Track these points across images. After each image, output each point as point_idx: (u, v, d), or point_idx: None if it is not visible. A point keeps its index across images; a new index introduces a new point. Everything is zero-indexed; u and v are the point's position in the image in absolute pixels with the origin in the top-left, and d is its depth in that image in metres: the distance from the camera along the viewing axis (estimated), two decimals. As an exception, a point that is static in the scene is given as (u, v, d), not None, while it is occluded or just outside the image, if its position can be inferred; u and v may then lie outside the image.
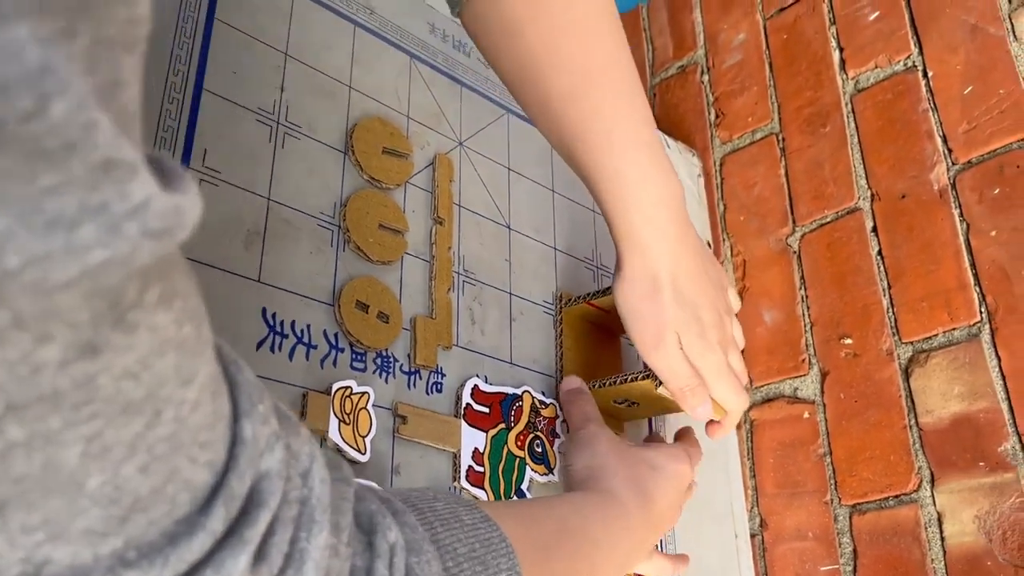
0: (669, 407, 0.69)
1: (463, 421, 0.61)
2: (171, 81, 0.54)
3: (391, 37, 0.70)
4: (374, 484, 0.39)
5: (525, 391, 0.66)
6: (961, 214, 0.77)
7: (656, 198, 0.57)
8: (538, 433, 0.66)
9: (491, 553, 0.38)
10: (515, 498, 0.62)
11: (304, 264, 0.57)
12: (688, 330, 0.60)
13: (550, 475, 0.65)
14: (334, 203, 0.60)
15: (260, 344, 0.53)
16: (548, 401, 0.68)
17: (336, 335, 0.57)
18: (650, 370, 0.63)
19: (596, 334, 0.75)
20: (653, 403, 0.68)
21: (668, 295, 0.59)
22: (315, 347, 0.55)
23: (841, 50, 0.90)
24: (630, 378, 0.66)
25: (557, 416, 0.68)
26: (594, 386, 0.68)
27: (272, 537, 0.26)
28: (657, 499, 0.58)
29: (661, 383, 0.63)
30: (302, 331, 0.55)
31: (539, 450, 0.66)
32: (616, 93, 0.55)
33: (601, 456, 0.59)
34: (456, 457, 0.60)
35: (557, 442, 0.67)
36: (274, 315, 0.54)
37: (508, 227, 0.72)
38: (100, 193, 0.18)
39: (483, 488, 0.60)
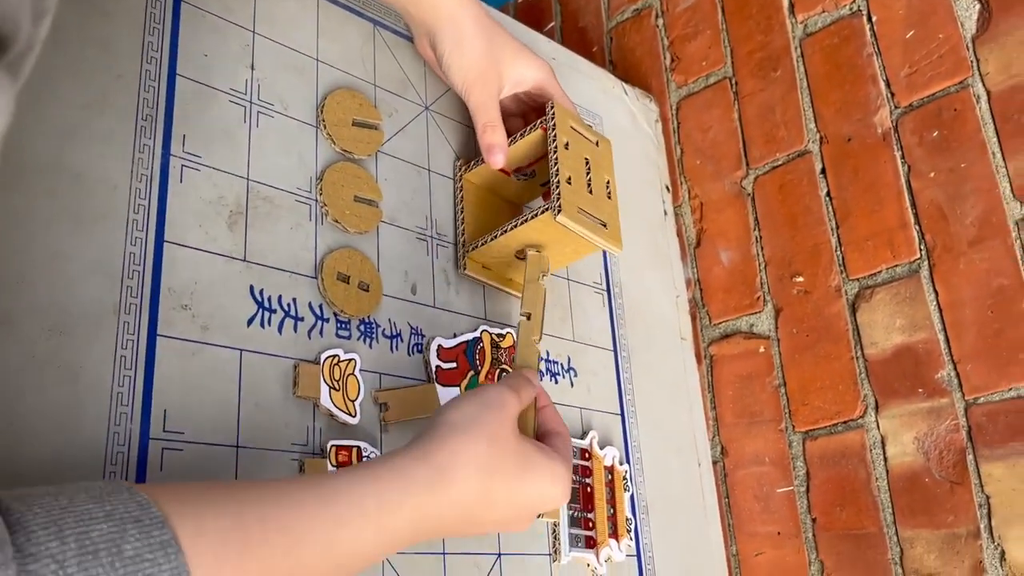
0: (565, 248, 0.67)
1: (436, 384, 0.65)
2: (145, 69, 0.56)
3: (354, 5, 0.71)
4: (32, 493, 0.35)
5: (483, 331, 0.70)
6: (903, 156, 0.82)
7: None
8: (503, 366, 0.70)
9: None
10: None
11: (286, 240, 0.60)
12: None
13: None
14: (310, 178, 0.63)
15: (251, 321, 0.56)
16: (504, 332, 0.71)
17: (320, 306, 0.60)
18: (548, 205, 0.63)
19: (495, 203, 0.74)
20: (552, 244, 0.67)
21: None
22: (302, 319, 0.59)
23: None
24: (531, 216, 0.64)
25: (515, 343, 0.71)
26: (492, 238, 0.67)
27: None
28: (500, 507, 0.49)
29: (560, 212, 0.62)
30: (288, 305, 0.58)
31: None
32: None
33: (475, 422, 0.49)
34: (440, 415, 0.64)
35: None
36: (261, 291, 0.57)
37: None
38: None
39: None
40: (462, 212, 0.71)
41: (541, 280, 0.66)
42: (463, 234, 0.70)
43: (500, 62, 0.68)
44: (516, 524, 0.51)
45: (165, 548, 0.35)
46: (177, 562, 0.35)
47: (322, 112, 0.64)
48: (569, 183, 0.64)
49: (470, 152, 0.75)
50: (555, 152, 0.65)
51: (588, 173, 0.67)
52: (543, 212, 0.63)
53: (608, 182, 0.69)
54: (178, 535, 0.35)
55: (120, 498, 0.36)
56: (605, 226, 0.66)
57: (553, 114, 0.66)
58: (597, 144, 0.69)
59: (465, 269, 0.69)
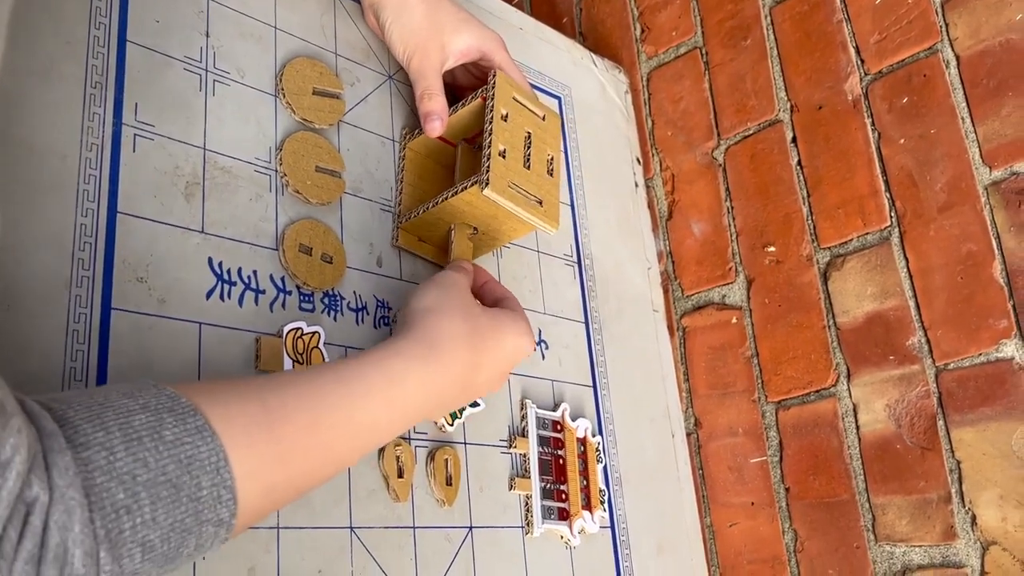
0: (502, 226, 0.66)
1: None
2: (94, 35, 0.54)
3: (313, -28, 0.69)
4: (65, 395, 0.37)
5: None
6: (873, 123, 0.81)
7: None
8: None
9: (189, 472, 0.37)
10: (467, 410, 0.65)
11: (245, 211, 0.58)
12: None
13: None
14: (269, 148, 0.61)
15: (209, 293, 0.54)
16: None
17: (283, 279, 0.59)
18: (479, 176, 0.61)
19: (440, 174, 0.72)
20: (487, 220, 0.65)
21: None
22: (263, 292, 0.57)
23: (760, -38, 0.92)
24: (460, 188, 0.62)
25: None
26: (424, 209, 0.65)
27: None
28: (484, 367, 0.55)
29: (488, 185, 0.59)
30: (249, 277, 0.57)
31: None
32: None
33: (442, 301, 0.55)
34: (407, 387, 0.63)
35: None
36: (220, 264, 0.56)
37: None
38: None
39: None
40: (401, 183, 0.69)
41: (467, 236, 0.66)
42: (399, 204, 0.68)
43: (443, 31, 0.67)
44: (499, 381, 0.59)
45: (201, 432, 0.38)
46: (214, 443, 0.38)
47: (281, 81, 0.63)
48: (503, 156, 0.62)
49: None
50: (490, 123, 0.62)
51: (528, 147, 0.64)
52: (471, 185, 0.61)
53: (552, 158, 0.66)
54: (210, 420, 0.39)
55: (151, 392, 0.39)
56: (541, 203, 0.63)
57: (494, 83, 0.64)
58: (544, 118, 0.67)
59: (397, 241, 0.67)
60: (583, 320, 0.80)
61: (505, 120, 0.63)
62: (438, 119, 0.66)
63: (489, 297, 0.63)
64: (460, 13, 0.68)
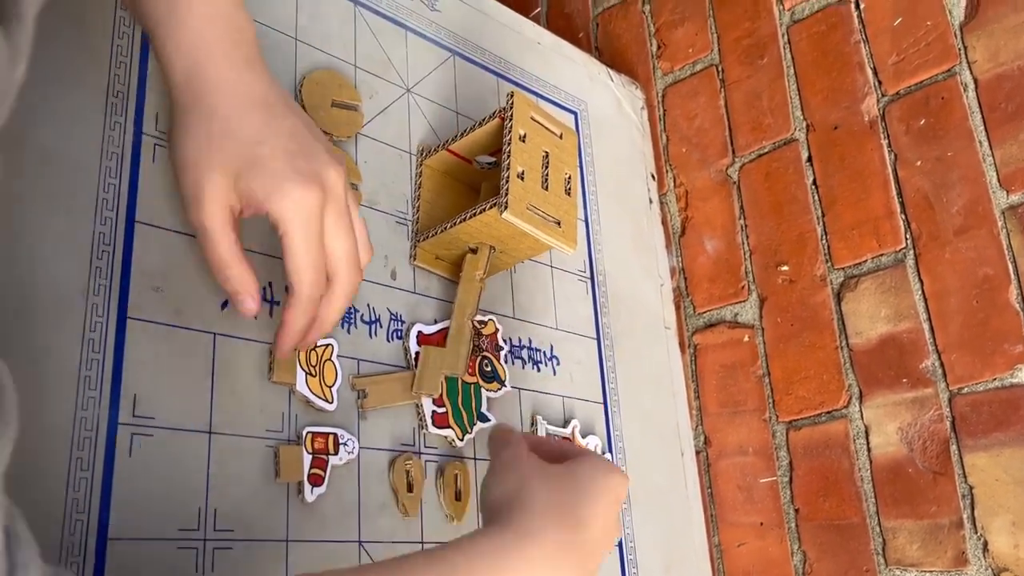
0: (520, 244, 0.65)
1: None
2: (117, 45, 0.54)
3: (334, -16, 0.70)
4: None
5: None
6: (889, 144, 0.81)
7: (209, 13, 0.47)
8: (484, 353, 0.69)
9: None
10: (477, 424, 0.65)
11: (262, 222, 0.58)
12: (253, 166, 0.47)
13: (503, 387, 0.69)
14: (287, 159, 0.61)
15: (225, 304, 0.54)
16: (486, 318, 0.70)
17: (297, 290, 0.58)
18: (496, 201, 0.60)
19: (457, 189, 0.72)
20: (505, 239, 0.65)
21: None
22: (278, 303, 0.57)
23: (778, -19, 0.92)
24: (479, 210, 0.61)
25: (497, 330, 0.70)
26: (442, 229, 0.64)
27: None
28: (590, 523, 0.48)
29: (507, 208, 0.59)
30: (264, 288, 0.57)
31: (488, 369, 0.69)
32: None
33: (520, 481, 0.49)
34: (419, 406, 0.63)
35: (502, 353, 0.70)
36: (236, 274, 0.56)
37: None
38: None
39: (449, 427, 0.64)
40: (418, 200, 0.69)
41: (478, 278, 0.65)
42: (417, 222, 0.68)
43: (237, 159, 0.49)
44: (614, 524, 0.51)
45: None
46: None
47: (301, 93, 0.63)
48: (521, 178, 0.61)
49: (448, 135, 0.74)
50: (509, 144, 0.62)
51: (546, 167, 0.64)
52: (491, 207, 0.61)
53: (569, 177, 0.66)
54: None
55: None
56: (559, 224, 0.63)
57: (512, 103, 0.63)
58: (561, 136, 0.67)
59: (415, 260, 0.67)
60: (595, 336, 0.80)
61: (523, 140, 0.63)
62: (250, 299, 0.50)
63: (550, 455, 0.56)
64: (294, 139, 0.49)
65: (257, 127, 0.47)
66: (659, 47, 1.02)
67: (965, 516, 0.71)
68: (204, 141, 0.46)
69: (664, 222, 0.96)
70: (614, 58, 1.05)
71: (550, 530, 0.46)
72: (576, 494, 0.49)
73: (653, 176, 0.97)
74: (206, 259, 0.48)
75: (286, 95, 0.51)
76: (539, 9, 1.18)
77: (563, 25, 1.13)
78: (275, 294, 0.57)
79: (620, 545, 0.74)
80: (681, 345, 0.91)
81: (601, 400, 0.78)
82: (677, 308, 0.93)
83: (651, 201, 0.95)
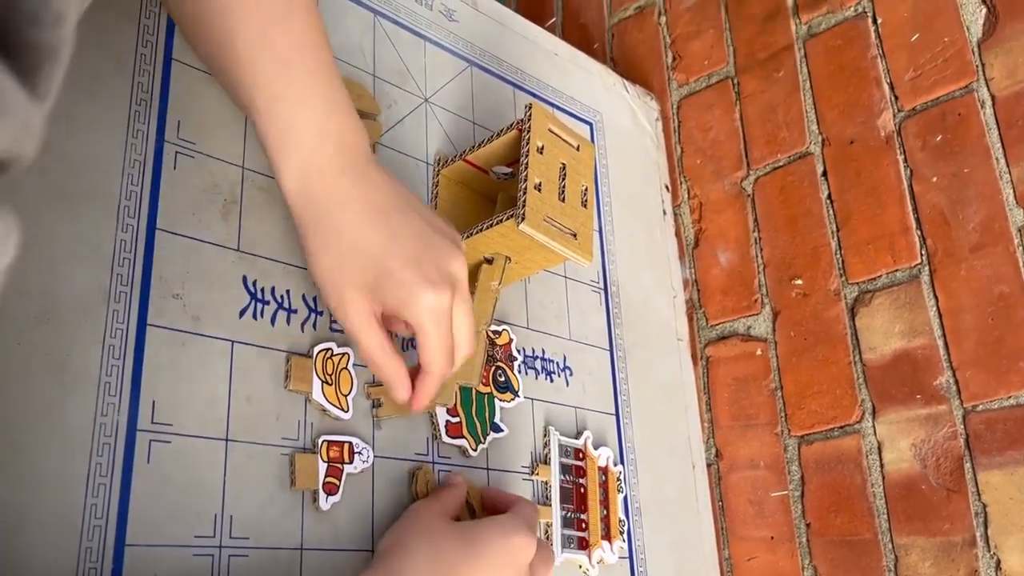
0: (536, 256, 0.65)
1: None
2: (141, 52, 0.55)
3: (354, -6, 0.70)
4: None
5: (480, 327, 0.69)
6: (905, 160, 0.81)
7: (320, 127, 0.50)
8: (498, 363, 0.69)
9: None
10: (491, 435, 0.65)
11: (281, 230, 0.58)
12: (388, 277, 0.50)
13: (517, 398, 0.69)
14: (306, 168, 0.61)
15: (243, 312, 0.55)
16: (500, 328, 0.70)
17: (315, 299, 0.59)
18: (512, 212, 0.60)
19: (473, 200, 0.72)
20: (521, 250, 0.64)
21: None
22: (295, 311, 0.58)
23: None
24: (496, 221, 0.61)
25: (511, 340, 0.70)
26: (463, 237, 0.63)
27: None
28: None
29: (524, 220, 0.59)
30: (282, 296, 0.57)
31: (502, 379, 0.69)
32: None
33: (410, 532, 0.51)
34: (433, 416, 0.63)
35: (516, 363, 0.70)
36: (255, 282, 0.56)
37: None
38: None
39: (463, 437, 0.64)
40: (434, 209, 0.68)
41: (493, 288, 0.65)
42: None
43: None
44: None
45: None
46: None
47: (320, 101, 0.63)
48: (538, 190, 0.61)
49: (465, 145, 0.74)
50: (526, 156, 0.62)
51: (563, 179, 0.64)
52: (507, 219, 0.61)
53: (585, 189, 0.66)
54: None
55: None
56: (575, 236, 0.63)
57: (530, 115, 0.63)
58: (578, 148, 0.67)
59: None
60: (608, 347, 0.80)
61: (541, 152, 0.63)
62: (403, 390, 0.54)
63: (493, 509, 0.59)
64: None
65: (382, 239, 0.50)
66: (674, 59, 1.02)
67: (978, 534, 0.71)
68: (336, 260, 0.50)
69: (678, 234, 0.96)
70: (629, 69, 1.05)
71: None
72: (457, 554, 0.50)
73: (667, 187, 0.97)
74: (360, 355, 0.53)
75: (403, 193, 0.53)
76: (554, 19, 1.18)
77: (578, 35, 1.13)
78: (291, 303, 0.58)
79: (630, 558, 0.74)
80: (693, 357, 0.91)
81: (613, 411, 0.78)
82: (690, 320, 0.93)
83: (665, 212, 0.95)
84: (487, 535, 0.51)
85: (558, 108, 0.86)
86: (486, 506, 0.61)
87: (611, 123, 0.92)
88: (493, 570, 0.50)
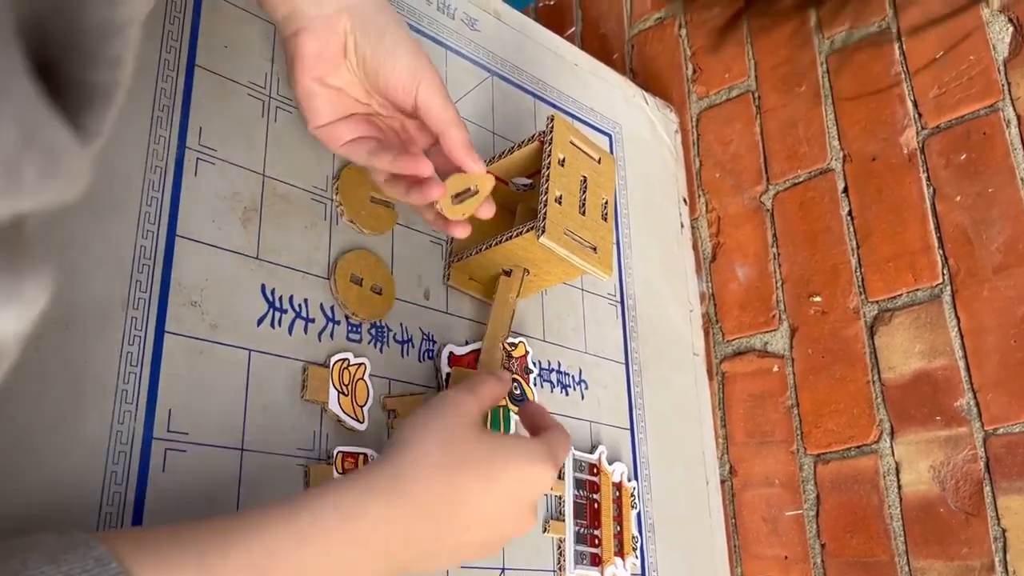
0: (554, 268, 0.64)
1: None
2: (164, 59, 0.54)
3: (377, 2, 0.70)
4: None
5: None
6: (928, 178, 0.80)
7: None
8: (514, 376, 0.68)
9: None
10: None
11: (300, 239, 0.58)
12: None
13: None
14: (327, 176, 0.61)
15: (260, 320, 0.54)
16: (516, 341, 0.70)
17: (332, 308, 0.58)
18: (532, 224, 0.60)
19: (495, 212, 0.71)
20: (540, 263, 0.64)
21: None
22: (313, 321, 0.57)
23: (817, 9, 0.91)
24: (515, 233, 0.61)
25: (527, 352, 0.70)
26: (477, 251, 0.64)
27: None
28: (470, 500, 0.46)
29: (544, 233, 0.58)
30: (300, 305, 0.57)
31: (517, 392, 0.68)
32: None
33: (431, 433, 0.47)
34: (450, 424, 0.62)
35: (531, 376, 0.70)
36: (273, 291, 0.56)
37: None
38: None
39: (475, 451, 0.63)
40: None
41: (511, 301, 0.65)
42: (451, 242, 0.68)
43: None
44: (515, 522, 0.48)
45: None
46: None
47: (341, 109, 0.63)
48: (559, 202, 0.61)
49: (484, 155, 0.74)
50: (548, 168, 0.61)
51: (583, 192, 0.64)
52: (527, 231, 0.60)
53: (606, 202, 0.65)
54: None
55: (77, 554, 0.34)
56: (595, 250, 0.63)
57: (552, 127, 0.63)
58: (599, 161, 0.66)
59: (449, 280, 0.67)
60: (623, 361, 0.80)
61: (562, 165, 0.62)
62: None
63: (529, 425, 0.56)
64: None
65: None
66: (695, 71, 1.01)
67: (997, 559, 0.70)
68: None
69: (695, 247, 0.96)
70: (648, 80, 1.05)
71: (424, 498, 0.44)
72: (474, 469, 0.47)
73: (685, 200, 0.96)
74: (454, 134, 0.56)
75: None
76: (574, 28, 1.18)
77: (597, 46, 1.13)
78: (309, 312, 0.57)
79: (643, 574, 0.73)
80: (709, 372, 0.90)
81: (628, 426, 0.77)
82: (706, 335, 0.92)
83: (682, 226, 0.94)
84: (508, 459, 0.48)
85: (578, 119, 0.86)
86: (522, 418, 0.57)
87: (630, 135, 0.91)
88: (503, 498, 0.47)
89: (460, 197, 0.58)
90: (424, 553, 0.45)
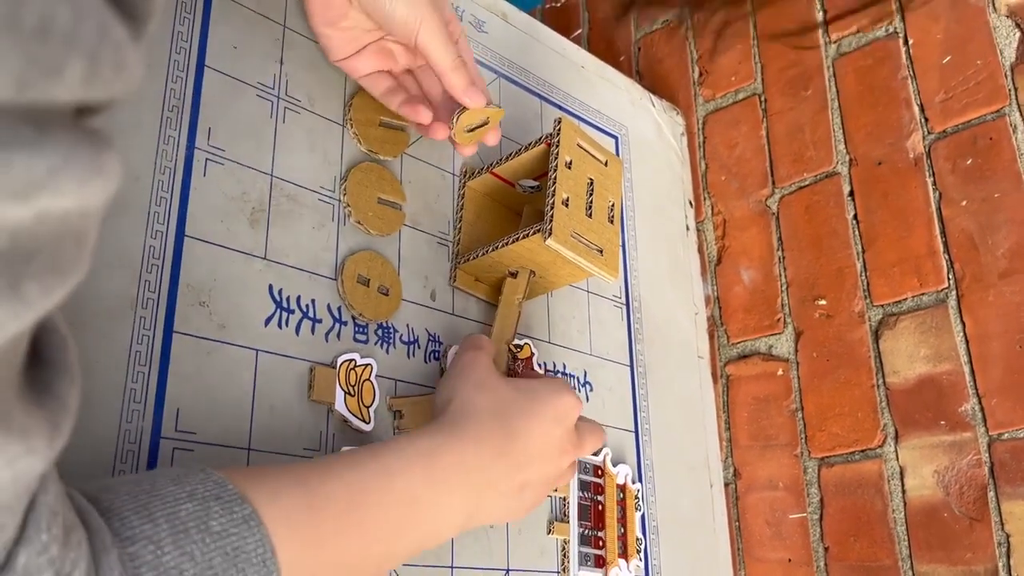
0: (561, 271, 0.65)
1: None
2: (174, 59, 0.55)
3: (385, 4, 0.70)
4: (113, 483, 0.37)
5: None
6: (934, 183, 0.80)
7: None
8: (519, 378, 0.68)
9: (235, 565, 0.36)
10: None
11: (307, 239, 0.58)
12: None
13: None
14: (334, 177, 0.61)
15: (268, 320, 0.55)
16: (522, 342, 0.70)
17: (339, 309, 0.59)
18: (539, 227, 0.60)
19: (498, 212, 0.72)
20: (547, 265, 0.64)
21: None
22: (320, 321, 0.57)
23: (824, 13, 0.92)
24: (522, 235, 0.61)
25: (533, 354, 0.70)
26: (484, 252, 0.65)
27: None
28: (523, 436, 0.51)
29: (551, 235, 0.59)
30: (307, 306, 0.57)
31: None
32: None
33: (465, 385, 0.53)
34: (455, 425, 0.62)
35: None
36: (280, 291, 0.56)
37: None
38: None
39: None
40: (460, 221, 0.69)
41: (517, 302, 0.65)
42: (458, 244, 0.68)
43: None
44: (561, 452, 0.54)
45: (248, 522, 0.37)
46: (260, 534, 0.38)
47: (349, 111, 0.63)
48: (566, 205, 0.61)
49: (492, 158, 0.74)
50: (555, 171, 0.62)
51: (590, 195, 0.64)
52: (534, 233, 0.61)
53: (612, 205, 0.65)
54: (257, 509, 0.38)
55: (198, 478, 0.38)
56: (601, 252, 0.63)
57: (559, 129, 0.63)
58: (606, 164, 0.66)
59: (455, 281, 0.67)
60: (628, 363, 0.80)
61: (569, 167, 0.62)
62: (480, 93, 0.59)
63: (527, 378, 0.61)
64: None
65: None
66: (701, 74, 1.01)
67: (1000, 564, 0.70)
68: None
69: (700, 250, 0.96)
70: (654, 83, 1.05)
71: (483, 435, 0.50)
72: (515, 406, 0.53)
73: (691, 203, 0.97)
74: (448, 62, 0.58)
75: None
76: (580, 31, 1.18)
77: (604, 48, 1.13)
78: (316, 312, 0.57)
79: (645, 575, 0.73)
80: (714, 375, 0.91)
81: (632, 428, 0.78)
82: (711, 338, 0.92)
83: (688, 228, 0.95)
84: (541, 391, 0.54)
85: (584, 121, 0.86)
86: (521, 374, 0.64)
87: (636, 137, 0.91)
88: (547, 424, 0.53)
89: (473, 128, 0.62)
90: (491, 485, 0.50)
